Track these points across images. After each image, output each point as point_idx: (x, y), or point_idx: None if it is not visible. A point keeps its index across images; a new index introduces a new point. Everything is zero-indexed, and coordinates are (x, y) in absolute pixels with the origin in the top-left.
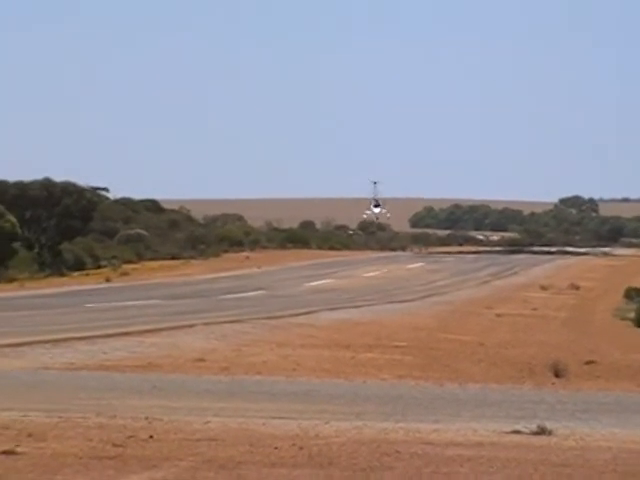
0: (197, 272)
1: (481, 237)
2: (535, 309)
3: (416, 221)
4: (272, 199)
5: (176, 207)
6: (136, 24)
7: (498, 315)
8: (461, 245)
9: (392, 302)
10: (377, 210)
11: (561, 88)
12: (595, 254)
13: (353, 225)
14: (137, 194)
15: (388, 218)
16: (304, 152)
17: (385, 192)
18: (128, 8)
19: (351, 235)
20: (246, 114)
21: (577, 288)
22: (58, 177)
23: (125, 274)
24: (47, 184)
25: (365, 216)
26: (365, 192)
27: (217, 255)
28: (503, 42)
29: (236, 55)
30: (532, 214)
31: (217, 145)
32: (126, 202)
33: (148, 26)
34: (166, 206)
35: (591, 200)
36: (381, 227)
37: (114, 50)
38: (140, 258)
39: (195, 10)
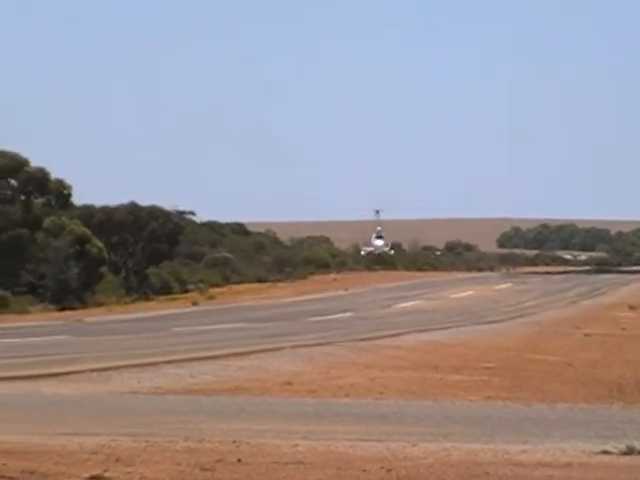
0: (284, 295)
1: (568, 257)
2: (624, 329)
3: (503, 241)
4: (358, 221)
5: (262, 230)
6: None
7: (586, 335)
8: (548, 265)
9: (480, 323)
10: (380, 243)
11: None
12: None
13: (440, 246)
14: (223, 217)
15: (392, 253)
16: (390, 174)
17: (472, 212)
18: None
19: (438, 256)
20: (333, 138)
21: None
22: (144, 201)
23: (212, 298)
24: (133, 208)
25: (363, 252)
26: (455, 211)
27: (304, 277)
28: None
29: (320, 78)
30: (619, 233)
31: (302, 167)
32: (212, 225)
33: (233, 56)
34: (252, 229)
35: None
36: (469, 247)
37: (197, 74)
38: (227, 281)
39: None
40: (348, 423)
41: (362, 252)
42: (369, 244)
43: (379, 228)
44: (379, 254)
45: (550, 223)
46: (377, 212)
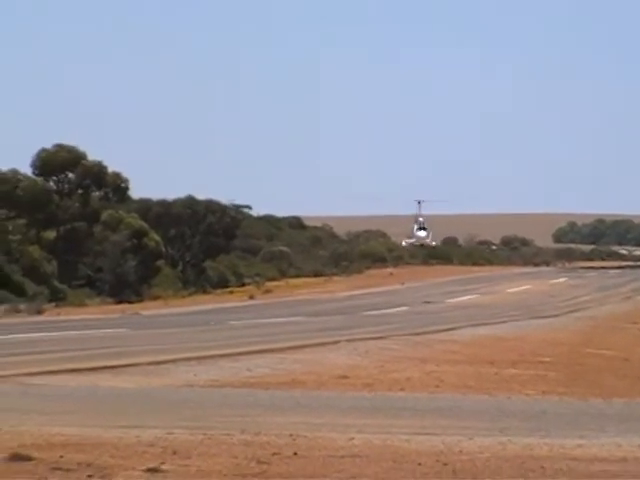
0: (340, 289)
1: (624, 252)
2: None
3: (559, 236)
4: (414, 215)
5: (319, 224)
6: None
7: None
8: (604, 260)
9: (535, 317)
10: (422, 234)
11: None
12: None
13: (496, 240)
14: (280, 211)
15: (434, 246)
16: (458, 171)
17: (529, 207)
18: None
19: (494, 251)
20: (398, 132)
21: None
22: (201, 195)
23: (268, 291)
24: (190, 202)
25: (405, 243)
26: (512, 206)
27: (360, 272)
28: None
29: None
30: None
31: (360, 161)
32: (269, 219)
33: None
34: (309, 223)
35: None
36: (525, 242)
37: (257, 66)
38: (283, 275)
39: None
40: (404, 417)
41: (404, 243)
42: (411, 235)
43: (421, 219)
44: (421, 245)
45: (606, 218)
46: (419, 203)
